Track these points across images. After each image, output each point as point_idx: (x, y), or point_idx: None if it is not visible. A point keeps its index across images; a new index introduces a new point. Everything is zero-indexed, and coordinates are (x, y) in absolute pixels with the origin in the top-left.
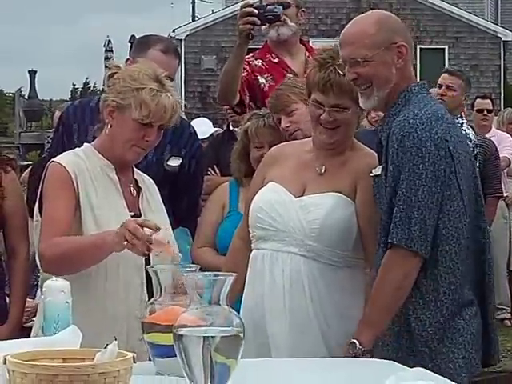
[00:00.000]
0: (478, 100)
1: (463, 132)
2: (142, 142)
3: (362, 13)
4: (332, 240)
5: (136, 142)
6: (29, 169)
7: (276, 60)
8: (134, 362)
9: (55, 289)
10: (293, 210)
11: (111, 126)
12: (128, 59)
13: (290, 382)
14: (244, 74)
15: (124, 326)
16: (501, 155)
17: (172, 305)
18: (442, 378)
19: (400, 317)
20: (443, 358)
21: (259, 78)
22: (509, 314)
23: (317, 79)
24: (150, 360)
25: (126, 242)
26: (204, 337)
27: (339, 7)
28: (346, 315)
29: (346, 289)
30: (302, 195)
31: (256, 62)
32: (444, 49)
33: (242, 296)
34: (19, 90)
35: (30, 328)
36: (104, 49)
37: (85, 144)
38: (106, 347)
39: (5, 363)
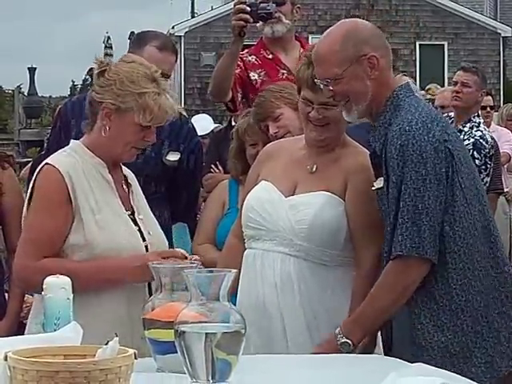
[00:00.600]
0: None
1: (481, 132)
2: (142, 142)
3: (362, 9)
4: (322, 239)
5: (136, 143)
6: (28, 165)
7: (270, 56)
8: (136, 358)
9: (56, 285)
10: (282, 209)
11: (109, 128)
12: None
13: (289, 378)
14: (237, 70)
15: (128, 327)
16: (501, 150)
17: (172, 301)
18: (446, 371)
19: (415, 326)
20: (466, 362)
21: (251, 73)
22: None
23: (306, 76)
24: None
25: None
26: (205, 333)
27: (338, 3)
28: (336, 314)
29: (336, 288)
30: (293, 194)
31: (250, 58)
32: (443, 45)
33: (235, 294)
34: (19, 86)
35: None
36: (104, 45)
37: (72, 141)
38: (106, 344)
39: (6, 360)
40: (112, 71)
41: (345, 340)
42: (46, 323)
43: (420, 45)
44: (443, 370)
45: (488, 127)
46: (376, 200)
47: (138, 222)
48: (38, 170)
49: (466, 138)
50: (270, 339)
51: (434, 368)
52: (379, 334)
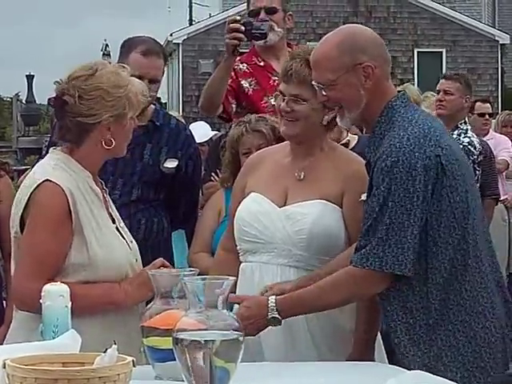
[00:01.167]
0: (478, 103)
1: (469, 139)
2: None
3: (360, 16)
4: (321, 248)
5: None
6: (26, 173)
7: (262, 63)
8: (134, 366)
9: (54, 293)
10: (278, 220)
11: (114, 139)
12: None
13: None
14: (229, 81)
15: (129, 338)
16: (499, 158)
17: (171, 309)
18: (443, 379)
19: (393, 339)
20: (441, 376)
21: (243, 82)
22: None
23: (283, 69)
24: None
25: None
26: (204, 341)
27: (337, 11)
28: (338, 324)
29: None
30: (285, 203)
31: (241, 66)
32: (441, 52)
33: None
34: (17, 94)
35: None
36: (101, 53)
37: (55, 151)
38: (105, 351)
39: (4, 367)
40: (93, 85)
41: (276, 316)
42: (45, 331)
43: (418, 52)
44: (441, 378)
45: (487, 134)
46: None
47: (122, 232)
48: (35, 185)
49: None
50: (268, 353)
51: (431, 375)
52: (381, 341)
